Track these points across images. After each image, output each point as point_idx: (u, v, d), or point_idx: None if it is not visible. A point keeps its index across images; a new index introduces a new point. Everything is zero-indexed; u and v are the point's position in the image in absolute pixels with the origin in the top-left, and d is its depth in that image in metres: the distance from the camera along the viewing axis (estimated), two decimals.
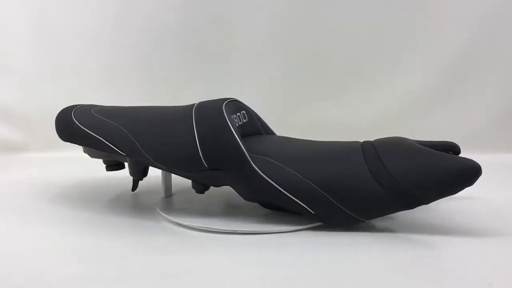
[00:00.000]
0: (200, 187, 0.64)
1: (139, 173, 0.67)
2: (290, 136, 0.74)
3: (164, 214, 0.63)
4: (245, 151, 0.58)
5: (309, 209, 0.57)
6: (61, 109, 0.69)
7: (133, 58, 1.18)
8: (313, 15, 1.15)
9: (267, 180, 0.57)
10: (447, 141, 0.64)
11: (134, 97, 1.17)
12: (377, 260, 0.51)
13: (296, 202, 0.57)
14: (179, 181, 0.74)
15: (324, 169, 0.58)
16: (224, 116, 0.59)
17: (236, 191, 0.62)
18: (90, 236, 0.58)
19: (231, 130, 0.58)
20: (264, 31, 1.15)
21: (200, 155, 0.58)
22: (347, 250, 0.54)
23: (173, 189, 0.74)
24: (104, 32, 1.16)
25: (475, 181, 0.54)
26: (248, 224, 0.60)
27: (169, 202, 0.69)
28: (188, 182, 0.75)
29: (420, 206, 0.56)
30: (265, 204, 0.64)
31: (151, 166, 0.64)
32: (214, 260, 0.51)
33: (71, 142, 0.67)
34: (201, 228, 0.59)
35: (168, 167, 0.61)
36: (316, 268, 0.49)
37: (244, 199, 0.63)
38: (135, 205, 0.71)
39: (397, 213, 0.59)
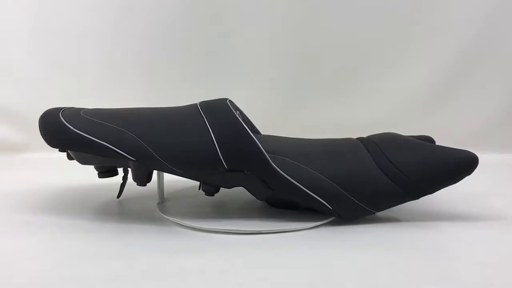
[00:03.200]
0: (212, 189, 0.62)
1: (144, 178, 0.62)
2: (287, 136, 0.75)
3: (164, 215, 0.63)
4: (264, 151, 0.58)
5: (327, 205, 0.59)
6: (43, 112, 0.64)
7: (133, 58, 1.18)
8: (314, 15, 1.15)
9: (288, 179, 0.58)
10: (424, 135, 0.69)
11: (134, 97, 1.17)
12: (377, 260, 0.51)
13: (316, 198, 0.59)
14: (174, 184, 0.74)
15: (337, 167, 0.61)
16: (237, 116, 0.59)
17: (250, 191, 0.63)
18: (89, 236, 0.58)
19: (247, 130, 0.58)
20: (264, 31, 1.15)
21: (220, 157, 0.57)
22: (347, 249, 0.54)
23: (172, 190, 0.74)
24: (104, 32, 1.16)
25: (474, 170, 0.60)
26: (248, 224, 0.60)
27: (168, 203, 0.69)
28: (184, 184, 0.75)
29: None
30: (274, 204, 0.65)
31: (160, 170, 0.61)
32: (214, 260, 0.51)
33: (63, 149, 0.62)
34: (201, 228, 0.59)
35: (185, 170, 0.59)
36: (316, 268, 0.49)
37: (259, 199, 0.64)
38: (133, 207, 0.70)
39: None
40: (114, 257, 0.51)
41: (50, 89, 1.16)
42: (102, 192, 0.76)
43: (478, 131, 1.15)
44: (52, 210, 0.68)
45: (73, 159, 0.65)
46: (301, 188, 0.58)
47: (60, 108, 0.64)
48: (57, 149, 0.62)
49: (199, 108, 0.61)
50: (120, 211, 0.69)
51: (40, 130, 0.62)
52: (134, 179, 0.62)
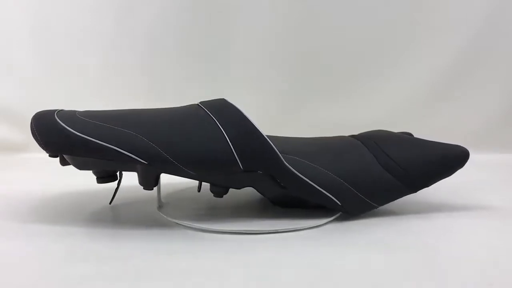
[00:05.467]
0: (221, 190, 0.61)
1: (152, 182, 0.60)
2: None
3: (164, 216, 0.63)
4: (277, 151, 0.58)
5: (337, 201, 0.61)
6: (36, 115, 0.59)
7: (133, 58, 1.18)
8: (314, 15, 1.15)
9: (301, 178, 0.59)
10: (404, 132, 0.74)
11: (135, 97, 1.17)
12: (377, 260, 0.51)
13: (326, 195, 0.60)
14: (173, 186, 0.74)
15: (342, 164, 0.63)
16: (247, 117, 0.58)
17: (259, 190, 0.63)
18: (89, 237, 0.58)
19: (259, 131, 0.58)
20: (263, 31, 1.15)
21: (236, 158, 0.56)
22: (348, 249, 0.54)
23: (170, 191, 0.74)
24: (104, 32, 1.16)
25: (465, 163, 0.65)
26: (249, 224, 0.60)
27: (167, 204, 0.69)
28: (182, 185, 0.75)
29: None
30: (279, 202, 0.66)
31: (171, 173, 0.59)
32: (214, 260, 0.51)
33: (63, 153, 0.59)
34: (201, 228, 0.59)
35: (200, 172, 0.58)
36: (316, 268, 0.49)
37: (269, 198, 0.65)
38: (130, 210, 0.70)
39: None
40: (113, 258, 0.51)
41: (50, 89, 1.16)
42: (101, 194, 0.75)
43: (478, 131, 1.15)
44: (51, 212, 0.68)
45: (67, 165, 0.62)
46: (313, 186, 0.59)
47: (53, 110, 0.59)
48: (48, 154, 0.59)
49: (205, 108, 0.60)
50: (118, 214, 0.68)
51: (35, 133, 0.57)
52: (141, 183, 0.60)
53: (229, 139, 0.56)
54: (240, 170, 0.57)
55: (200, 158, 0.56)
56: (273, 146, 0.58)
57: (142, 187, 0.60)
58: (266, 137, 0.58)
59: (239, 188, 0.61)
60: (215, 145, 0.56)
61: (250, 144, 0.57)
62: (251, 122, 0.58)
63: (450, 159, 0.65)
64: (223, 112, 0.59)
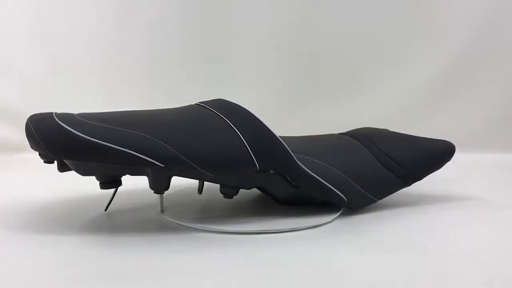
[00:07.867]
0: (232, 191, 0.59)
1: (164, 185, 0.58)
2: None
3: (164, 215, 0.63)
4: (289, 150, 0.58)
5: (343, 196, 0.62)
6: (33, 117, 0.56)
7: (133, 58, 1.18)
8: (314, 15, 1.15)
9: (312, 176, 0.60)
10: (384, 129, 0.78)
11: (135, 97, 1.17)
12: (377, 260, 0.51)
13: (335, 191, 0.62)
14: (172, 187, 0.74)
15: (345, 161, 0.66)
16: (257, 117, 0.59)
17: (270, 191, 0.63)
18: (89, 238, 0.58)
19: (271, 131, 0.58)
20: (264, 31, 1.15)
21: (253, 158, 0.56)
22: (347, 249, 0.54)
23: (171, 191, 0.73)
24: (104, 32, 1.17)
25: (452, 156, 0.70)
26: (248, 224, 0.60)
27: (169, 205, 0.69)
28: (181, 186, 0.75)
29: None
30: (283, 201, 0.66)
31: (186, 176, 0.57)
32: (214, 260, 0.51)
33: (68, 158, 0.55)
34: (201, 228, 0.59)
35: (218, 174, 0.56)
36: (316, 268, 0.49)
37: (279, 198, 0.66)
38: (132, 211, 0.69)
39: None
40: (114, 258, 0.51)
41: (50, 89, 1.16)
42: (102, 197, 0.75)
43: (478, 131, 1.15)
44: (51, 214, 0.67)
45: (66, 171, 0.59)
46: (324, 184, 0.60)
47: (50, 113, 0.56)
48: (43, 160, 0.56)
49: (212, 109, 0.59)
50: (119, 217, 0.67)
51: (34, 136, 0.54)
52: (152, 187, 0.58)
53: (244, 139, 0.56)
54: (256, 171, 0.57)
55: (218, 160, 0.55)
56: (286, 146, 0.58)
57: (150, 191, 0.59)
58: (278, 136, 0.58)
59: (249, 188, 0.61)
60: (232, 146, 0.56)
61: (264, 145, 0.57)
62: (262, 122, 0.58)
63: (440, 153, 0.70)
64: (233, 112, 0.59)
